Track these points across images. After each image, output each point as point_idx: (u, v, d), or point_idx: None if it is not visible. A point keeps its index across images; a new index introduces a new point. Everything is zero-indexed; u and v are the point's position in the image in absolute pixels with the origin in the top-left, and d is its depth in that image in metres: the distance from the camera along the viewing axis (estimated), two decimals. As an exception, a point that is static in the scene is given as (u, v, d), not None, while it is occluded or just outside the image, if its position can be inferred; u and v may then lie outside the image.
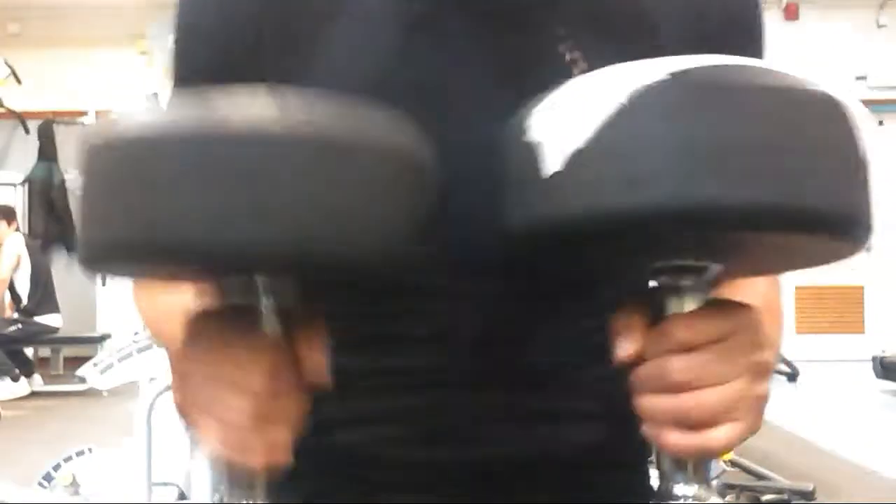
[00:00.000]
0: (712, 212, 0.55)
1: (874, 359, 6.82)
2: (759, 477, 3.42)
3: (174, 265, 0.62)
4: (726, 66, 0.56)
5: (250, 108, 0.55)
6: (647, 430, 0.62)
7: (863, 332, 8.66)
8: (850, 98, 0.58)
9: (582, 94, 0.57)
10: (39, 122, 8.67)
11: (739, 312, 0.62)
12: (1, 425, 5.95)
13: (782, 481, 3.38)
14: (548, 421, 0.77)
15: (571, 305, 0.76)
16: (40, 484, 3.12)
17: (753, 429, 0.62)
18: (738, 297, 0.72)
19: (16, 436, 5.57)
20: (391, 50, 0.71)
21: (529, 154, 0.59)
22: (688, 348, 0.60)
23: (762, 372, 0.62)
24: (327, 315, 0.64)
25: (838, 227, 0.58)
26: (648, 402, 0.61)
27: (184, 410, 0.62)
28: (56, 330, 7.48)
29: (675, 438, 0.60)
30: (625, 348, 0.62)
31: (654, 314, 0.63)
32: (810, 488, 3.18)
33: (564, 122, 0.57)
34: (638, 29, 0.74)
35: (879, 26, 8.79)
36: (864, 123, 0.59)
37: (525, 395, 0.76)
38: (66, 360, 7.89)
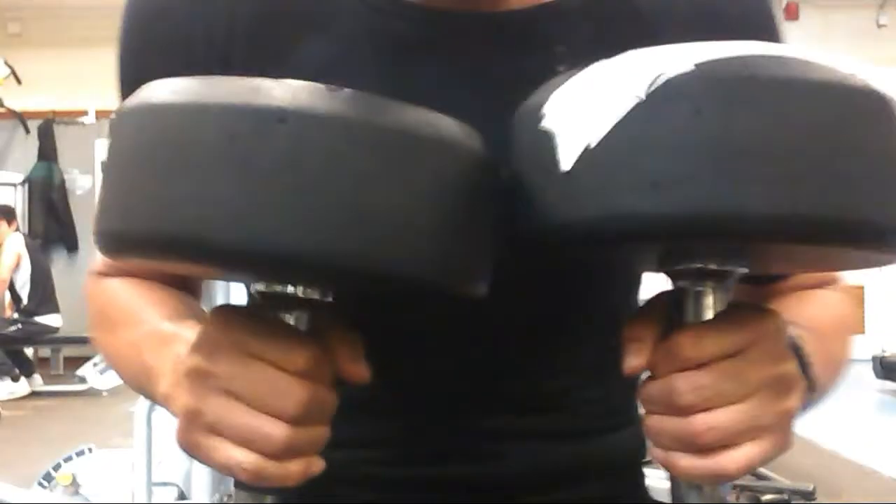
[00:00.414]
0: (743, 221, 0.49)
1: (874, 359, 6.82)
2: (759, 477, 3.42)
3: (204, 267, 0.57)
4: (759, 55, 0.50)
5: (302, 91, 0.50)
6: (655, 453, 0.58)
7: (863, 332, 8.65)
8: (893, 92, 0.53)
9: (600, 83, 0.52)
10: (39, 122, 8.67)
11: (757, 321, 0.57)
12: (1, 425, 5.94)
13: (782, 481, 3.37)
14: (536, 439, 0.75)
15: (555, 332, 0.73)
16: (40, 484, 3.12)
17: (781, 446, 0.57)
18: (795, 310, 0.69)
19: (16, 436, 5.56)
20: (366, 70, 0.68)
21: (544, 145, 0.54)
22: (697, 364, 0.55)
23: (786, 385, 0.57)
24: None
25: (887, 239, 0.52)
26: (655, 424, 0.57)
27: (196, 438, 0.56)
28: (56, 330, 7.48)
29: (686, 462, 0.56)
30: (631, 362, 0.57)
31: (671, 320, 0.58)
32: (810, 488, 3.17)
33: (580, 114, 0.52)
34: (640, 45, 0.72)
35: (879, 26, 8.79)
36: None
37: (514, 415, 0.74)
38: (66, 360, 7.88)
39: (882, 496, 3.92)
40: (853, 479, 4.12)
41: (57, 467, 3.16)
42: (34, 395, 7.09)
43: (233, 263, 0.52)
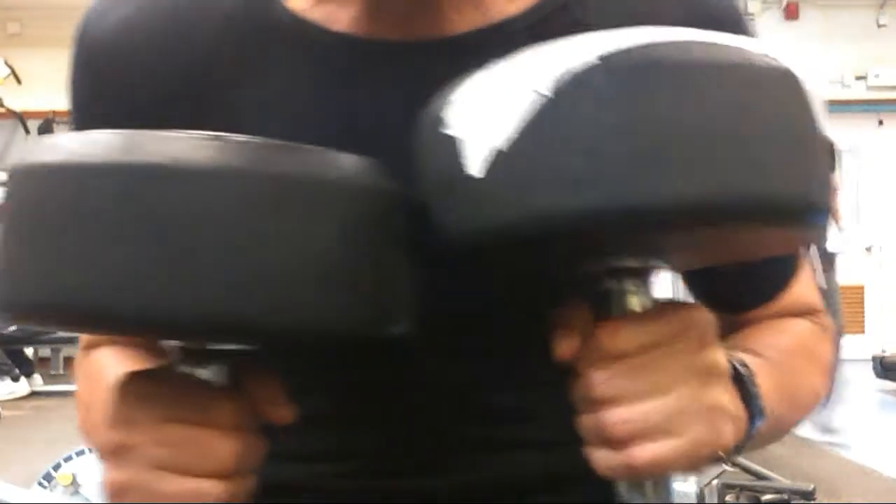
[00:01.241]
0: (660, 210, 0.48)
1: (874, 358, 6.82)
2: (759, 477, 3.42)
3: (100, 332, 0.55)
4: (662, 42, 0.49)
5: (199, 147, 0.47)
6: (585, 449, 0.57)
7: (863, 332, 8.66)
8: (807, 77, 0.53)
9: (502, 82, 0.51)
10: (39, 122, 8.66)
11: (679, 315, 0.56)
12: (1, 425, 5.95)
13: (782, 481, 3.37)
14: (502, 450, 0.73)
15: (511, 343, 0.71)
16: (40, 484, 3.12)
17: (709, 442, 0.55)
18: (757, 337, 0.68)
19: (16, 436, 5.56)
20: (305, 106, 0.67)
21: (450, 151, 0.52)
22: (617, 357, 0.54)
23: (713, 376, 0.56)
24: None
25: (798, 215, 0.52)
26: (580, 419, 0.56)
27: (124, 490, 0.55)
28: (56, 330, 7.47)
29: (601, 456, 0.55)
30: (560, 348, 0.56)
31: (597, 318, 0.57)
32: (810, 488, 3.17)
33: (485, 116, 0.51)
34: None
35: (879, 26, 8.79)
36: (819, 101, 0.53)
37: (478, 426, 0.73)
38: (66, 360, 7.89)
39: (882, 496, 3.92)
40: (853, 479, 4.12)
41: (57, 467, 3.16)
42: (34, 395, 7.09)
43: (121, 330, 0.51)
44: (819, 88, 0.54)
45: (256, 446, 0.57)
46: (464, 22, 0.68)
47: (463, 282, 0.64)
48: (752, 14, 8.13)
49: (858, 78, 8.65)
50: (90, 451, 3.24)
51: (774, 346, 0.72)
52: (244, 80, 0.67)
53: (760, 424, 0.62)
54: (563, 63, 0.49)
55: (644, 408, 0.54)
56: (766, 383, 0.64)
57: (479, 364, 0.72)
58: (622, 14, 0.68)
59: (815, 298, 0.80)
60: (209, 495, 0.54)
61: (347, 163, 0.52)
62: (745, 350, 0.69)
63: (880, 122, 8.63)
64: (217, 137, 0.48)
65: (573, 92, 0.48)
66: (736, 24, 0.71)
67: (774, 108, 0.50)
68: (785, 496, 3.19)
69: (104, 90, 0.70)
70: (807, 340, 0.77)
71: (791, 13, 8.71)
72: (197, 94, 0.67)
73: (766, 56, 0.51)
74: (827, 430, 4.70)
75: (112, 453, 0.55)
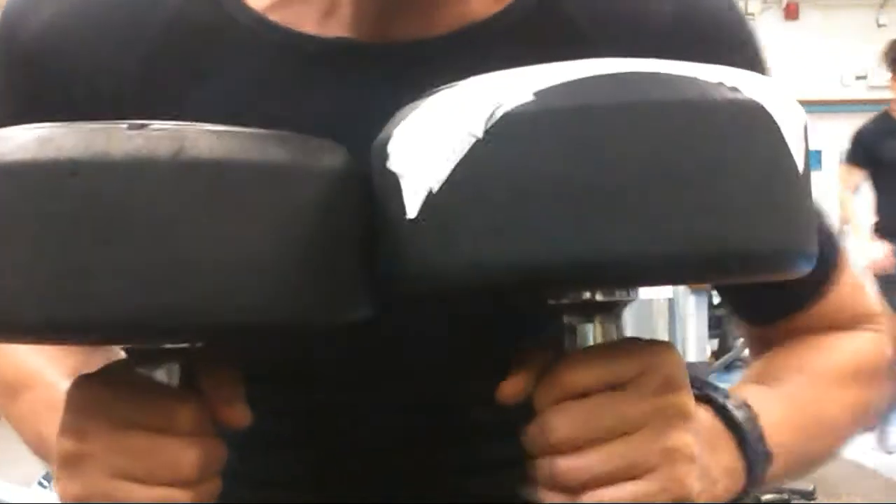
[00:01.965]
0: (587, 269, 0.44)
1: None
2: (759, 477, 3.42)
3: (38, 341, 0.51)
4: (601, 76, 0.44)
5: (96, 136, 0.45)
6: (527, 491, 0.54)
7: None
8: (782, 99, 0.47)
9: (441, 117, 0.47)
10: (39, 121, 8.67)
11: (644, 352, 0.53)
12: (1, 425, 5.94)
13: (782, 481, 3.37)
14: (481, 470, 0.72)
15: (476, 361, 0.68)
16: (40, 484, 3.12)
17: (668, 488, 0.51)
18: (787, 362, 0.66)
19: (16, 436, 5.56)
20: (263, 107, 0.64)
21: (391, 186, 0.49)
22: (574, 395, 0.51)
23: (677, 419, 0.52)
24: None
25: (761, 267, 0.48)
26: (533, 461, 0.53)
27: (83, 501, 0.52)
28: None
29: (550, 500, 0.52)
30: (504, 389, 0.54)
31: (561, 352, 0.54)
32: (810, 488, 3.17)
33: (423, 154, 0.47)
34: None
35: (879, 26, 8.77)
36: (799, 128, 0.47)
37: (455, 446, 0.72)
38: (66, 359, 7.88)
39: (882, 496, 3.92)
40: (853, 479, 4.12)
41: (57, 467, 3.15)
42: (34, 394, 7.08)
43: (43, 337, 0.48)
44: (819, 89, 0.51)
45: (218, 449, 0.54)
46: (439, 24, 0.64)
47: (431, 306, 0.61)
48: (752, 14, 8.13)
49: (858, 78, 8.63)
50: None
51: (804, 369, 0.69)
52: (204, 79, 0.64)
53: (768, 466, 0.61)
54: (497, 100, 0.45)
55: (599, 455, 0.51)
56: (777, 417, 0.62)
57: (456, 382, 0.69)
58: (611, 11, 0.65)
59: (865, 303, 0.75)
60: (174, 502, 0.51)
61: (283, 143, 0.48)
62: (763, 378, 0.68)
63: (880, 122, 8.63)
64: (132, 125, 0.45)
65: (504, 133, 0.44)
66: (731, 20, 0.68)
67: (733, 147, 0.45)
68: (785, 496, 3.19)
69: (39, 93, 0.66)
70: (850, 356, 0.72)
71: (791, 13, 8.70)
72: (152, 90, 0.64)
73: (730, 87, 0.45)
74: (888, 448, 4.48)
75: (67, 463, 0.52)
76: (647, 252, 0.44)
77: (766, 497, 3.20)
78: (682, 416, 0.53)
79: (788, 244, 0.48)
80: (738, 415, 0.60)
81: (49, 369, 0.69)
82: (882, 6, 8.76)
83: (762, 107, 0.46)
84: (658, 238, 0.43)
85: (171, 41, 0.65)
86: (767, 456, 0.61)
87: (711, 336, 5.61)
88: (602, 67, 0.45)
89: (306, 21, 0.65)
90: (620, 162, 0.43)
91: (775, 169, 0.46)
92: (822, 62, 8.24)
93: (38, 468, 3.19)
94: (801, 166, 0.48)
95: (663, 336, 4.32)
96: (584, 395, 0.51)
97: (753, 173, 0.45)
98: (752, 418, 0.60)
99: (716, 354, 5.80)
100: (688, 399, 0.54)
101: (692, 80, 0.45)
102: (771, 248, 0.47)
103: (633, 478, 0.51)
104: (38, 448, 0.66)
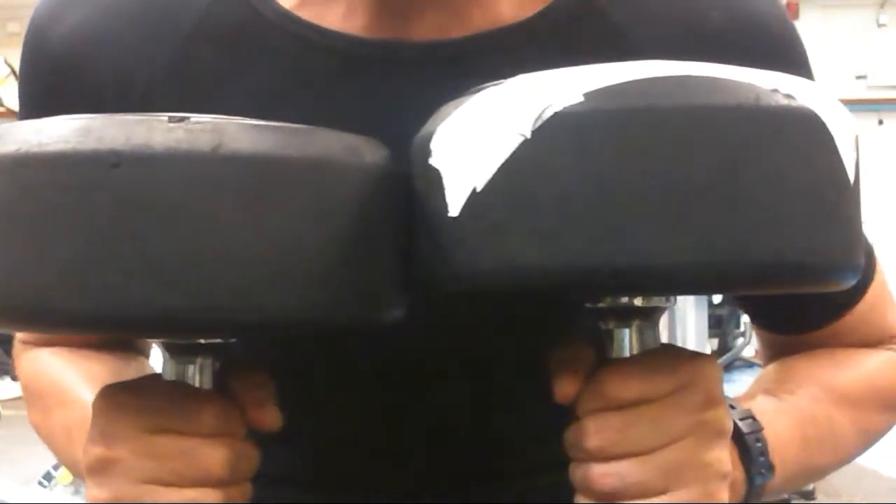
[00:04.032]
0: (635, 276, 0.43)
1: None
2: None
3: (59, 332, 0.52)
4: (654, 79, 0.43)
5: (138, 127, 0.44)
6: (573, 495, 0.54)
7: None
8: (834, 107, 0.46)
9: (487, 115, 0.46)
10: (39, 121, 8.68)
11: (688, 364, 0.53)
12: (1, 424, 5.94)
13: (782, 481, 3.37)
14: (505, 477, 0.72)
15: (496, 368, 0.69)
16: (40, 483, 3.12)
17: (705, 501, 0.51)
18: (799, 374, 0.65)
19: (16, 435, 5.55)
20: (294, 105, 0.62)
21: (434, 183, 0.48)
22: (616, 404, 0.51)
23: (714, 434, 0.52)
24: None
25: (809, 279, 0.47)
26: (570, 465, 0.53)
27: None
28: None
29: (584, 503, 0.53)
30: (564, 388, 0.53)
31: (598, 358, 0.53)
32: (810, 488, 3.18)
33: (467, 152, 0.46)
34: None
35: (879, 26, 8.78)
36: (850, 137, 0.46)
37: (481, 451, 0.71)
38: (66, 359, 7.88)
39: (882, 496, 3.92)
40: (853, 479, 4.12)
41: (57, 467, 3.16)
42: (34, 394, 7.09)
43: (84, 329, 0.48)
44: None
45: (249, 451, 0.54)
46: (464, 25, 0.64)
47: (463, 309, 0.61)
48: (752, 14, 8.13)
49: (858, 78, 8.64)
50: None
51: (819, 383, 0.69)
52: (234, 78, 0.65)
53: (770, 479, 0.61)
54: (547, 100, 0.44)
55: (635, 464, 0.51)
56: (783, 431, 0.62)
57: (482, 387, 0.69)
58: (658, 15, 0.64)
59: (893, 320, 0.74)
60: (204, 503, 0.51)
61: (324, 139, 0.48)
62: (775, 389, 0.67)
63: (880, 122, 8.62)
64: (173, 118, 0.45)
65: (552, 134, 0.43)
66: (779, 24, 0.66)
67: (788, 156, 0.44)
68: (785, 496, 3.19)
69: (69, 95, 0.66)
70: (868, 375, 0.71)
71: (791, 13, 8.70)
72: (183, 88, 0.65)
73: (785, 94, 0.44)
74: None
75: (96, 469, 0.52)
76: (697, 261, 0.43)
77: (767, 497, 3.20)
78: (719, 433, 0.53)
79: (838, 256, 0.47)
80: (743, 426, 0.60)
81: (81, 388, 0.69)
82: (882, 6, 8.77)
83: (816, 115, 0.45)
84: (709, 247, 0.42)
85: (202, 38, 0.65)
86: (770, 469, 0.60)
87: (711, 336, 5.60)
88: (654, 70, 0.44)
89: (331, 18, 0.65)
90: (671, 167, 0.42)
91: (828, 179, 0.45)
92: (822, 62, 8.24)
93: (38, 468, 3.20)
94: (851, 176, 0.46)
95: (662, 335, 4.31)
96: (626, 405, 0.51)
97: (807, 183, 0.44)
98: (757, 431, 0.60)
99: (716, 354, 5.80)
100: (724, 415, 0.54)
101: (748, 86, 0.43)
102: (822, 260, 0.46)
103: (666, 490, 0.51)
104: (75, 470, 0.66)
